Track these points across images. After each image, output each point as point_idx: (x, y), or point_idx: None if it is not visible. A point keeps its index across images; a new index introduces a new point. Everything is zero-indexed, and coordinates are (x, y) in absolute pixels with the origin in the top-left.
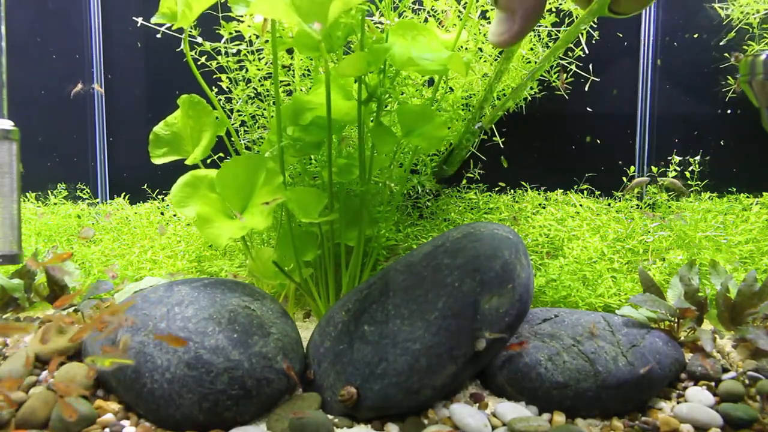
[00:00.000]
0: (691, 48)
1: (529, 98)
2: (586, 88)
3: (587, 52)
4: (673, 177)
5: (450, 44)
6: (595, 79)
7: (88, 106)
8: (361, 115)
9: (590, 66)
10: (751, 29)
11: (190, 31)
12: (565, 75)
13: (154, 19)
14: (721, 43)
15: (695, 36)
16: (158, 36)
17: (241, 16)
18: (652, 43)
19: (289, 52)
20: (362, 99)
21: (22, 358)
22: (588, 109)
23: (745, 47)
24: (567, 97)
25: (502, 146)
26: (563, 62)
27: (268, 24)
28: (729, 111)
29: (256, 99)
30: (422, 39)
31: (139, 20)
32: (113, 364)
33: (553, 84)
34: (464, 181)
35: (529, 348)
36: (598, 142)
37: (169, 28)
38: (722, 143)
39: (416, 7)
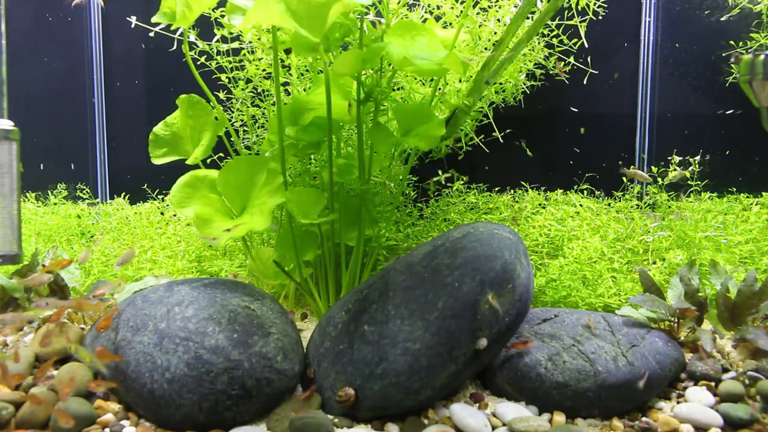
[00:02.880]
0: (691, 48)
1: (528, 92)
2: (584, 82)
3: (587, 45)
4: (673, 171)
5: (449, 42)
6: (593, 71)
7: (88, 106)
8: (360, 114)
9: (589, 61)
10: (760, 16)
11: (189, 32)
12: (562, 63)
13: (154, 19)
14: (722, 19)
15: (705, 14)
16: (155, 33)
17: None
18: (653, 43)
19: (287, 52)
20: (360, 99)
21: (21, 358)
22: (572, 109)
23: (752, 35)
24: (566, 95)
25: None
26: (560, 52)
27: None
28: (729, 111)
29: (256, 99)
30: (421, 39)
31: (134, 19)
32: (111, 364)
33: (552, 72)
34: (460, 184)
35: (529, 348)
36: (577, 150)
37: (167, 29)
38: (722, 143)
39: (412, 2)
